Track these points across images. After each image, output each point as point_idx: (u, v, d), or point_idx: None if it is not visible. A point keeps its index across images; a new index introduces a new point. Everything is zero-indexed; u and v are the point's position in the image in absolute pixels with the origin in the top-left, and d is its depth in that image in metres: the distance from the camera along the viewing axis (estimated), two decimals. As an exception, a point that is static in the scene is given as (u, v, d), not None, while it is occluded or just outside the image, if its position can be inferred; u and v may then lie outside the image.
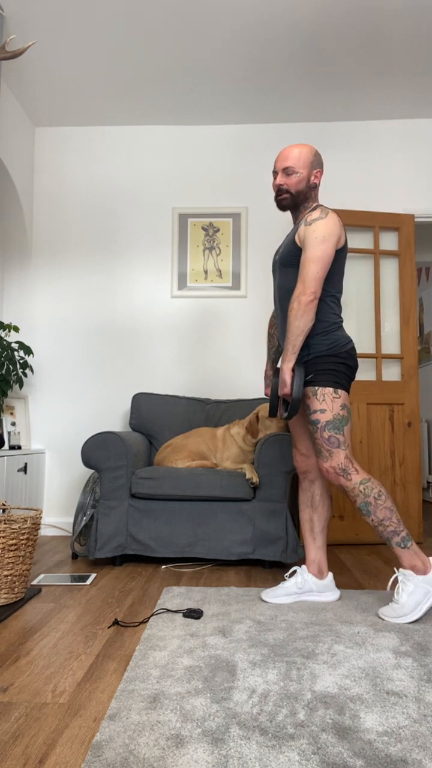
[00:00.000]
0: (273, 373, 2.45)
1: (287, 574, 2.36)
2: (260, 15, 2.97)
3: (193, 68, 3.39)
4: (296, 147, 2.19)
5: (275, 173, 2.22)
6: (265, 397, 3.89)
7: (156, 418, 3.51)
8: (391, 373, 3.75)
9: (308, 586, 2.26)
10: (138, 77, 3.48)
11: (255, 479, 2.83)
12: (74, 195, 4.00)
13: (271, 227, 3.92)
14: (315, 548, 2.32)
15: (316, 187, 2.22)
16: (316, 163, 2.21)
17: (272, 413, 2.34)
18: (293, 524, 2.85)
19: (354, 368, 2.20)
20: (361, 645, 1.77)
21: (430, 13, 2.96)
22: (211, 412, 3.57)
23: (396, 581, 2.14)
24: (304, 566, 2.31)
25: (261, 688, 1.46)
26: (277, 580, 2.61)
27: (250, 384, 3.84)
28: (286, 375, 2.09)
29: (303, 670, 1.58)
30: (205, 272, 3.89)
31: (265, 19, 3.00)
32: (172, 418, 3.51)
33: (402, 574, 2.05)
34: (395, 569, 2.10)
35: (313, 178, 2.20)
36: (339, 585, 2.52)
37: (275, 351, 2.52)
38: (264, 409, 3.14)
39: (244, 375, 3.84)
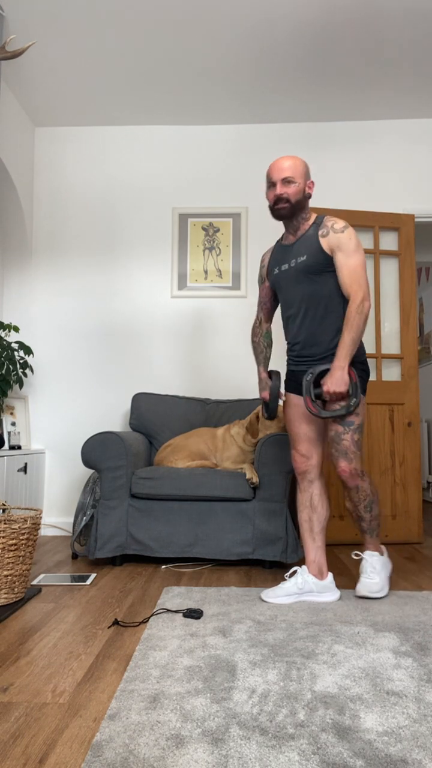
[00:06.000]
0: (267, 375, 2.51)
1: (287, 574, 2.36)
2: (261, 15, 2.97)
3: (194, 68, 3.39)
4: (289, 158, 2.26)
5: (272, 184, 2.27)
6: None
7: (156, 418, 3.51)
8: (391, 373, 3.75)
9: (308, 586, 2.27)
10: (138, 77, 3.48)
11: (255, 479, 2.83)
12: (74, 195, 4.00)
13: (271, 227, 3.91)
14: (315, 548, 2.34)
15: (310, 197, 2.31)
16: (308, 174, 2.31)
17: (272, 415, 2.42)
18: (293, 524, 2.85)
19: (369, 376, 2.36)
20: (361, 645, 1.77)
21: (428, 14, 2.96)
22: (211, 412, 3.57)
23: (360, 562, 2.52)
24: (304, 566, 2.32)
25: (261, 688, 1.46)
26: (277, 580, 2.61)
27: (250, 384, 3.84)
28: (345, 374, 2.18)
29: (303, 670, 1.58)
30: (205, 272, 3.89)
31: (265, 20, 3.00)
32: (172, 418, 3.51)
33: (370, 555, 2.35)
34: (359, 553, 2.40)
35: (307, 188, 2.29)
36: (339, 585, 2.52)
37: (265, 356, 2.56)
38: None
39: (244, 375, 3.84)
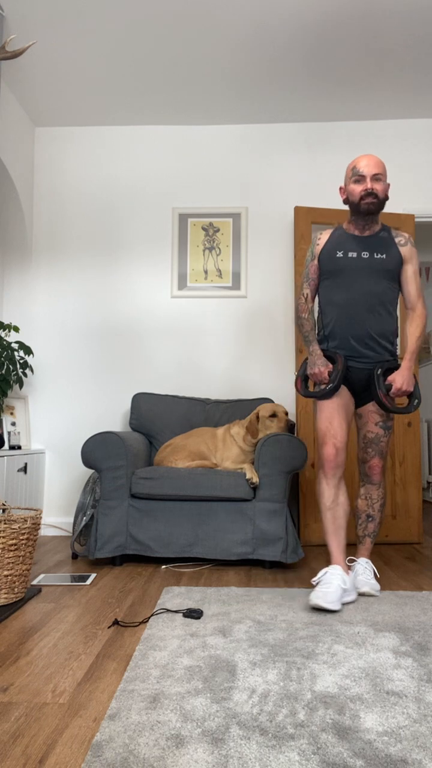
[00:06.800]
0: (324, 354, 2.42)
1: (319, 576, 2.18)
2: (261, 16, 2.97)
3: (194, 68, 3.39)
4: (377, 157, 2.33)
5: (360, 178, 2.30)
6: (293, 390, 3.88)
7: (156, 418, 3.51)
8: (391, 373, 3.75)
9: (348, 584, 2.17)
10: (138, 77, 3.48)
11: (255, 479, 2.83)
12: (74, 195, 4.00)
13: (271, 227, 3.92)
14: (343, 546, 2.27)
15: (387, 199, 2.36)
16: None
17: (332, 393, 2.35)
18: (293, 524, 2.85)
19: None
20: (361, 645, 1.77)
21: (428, 13, 2.96)
22: (211, 412, 3.57)
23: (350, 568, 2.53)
24: (337, 566, 2.20)
25: (261, 688, 1.46)
26: (277, 580, 2.61)
27: (250, 384, 3.83)
28: (412, 374, 2.33)
29: (303, 670, 1.58)
30: (205, 272, 3.89)
31: (265, 20, 3.00)
32: (172, 418, 3.51)
33: (366, 562, 2.43)
34: (358, 560, 2.44)
35: (388, 190, 2.37)
36: (339, 585, 2.52)
37: (315, 333, 2.47)
38: (264, 408, 3.13)
39: (244, 375, 3.84)
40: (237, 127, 3.99)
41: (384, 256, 2.34)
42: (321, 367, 2.37)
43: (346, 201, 2.36)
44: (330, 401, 2.36)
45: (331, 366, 2.37)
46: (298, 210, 3.67)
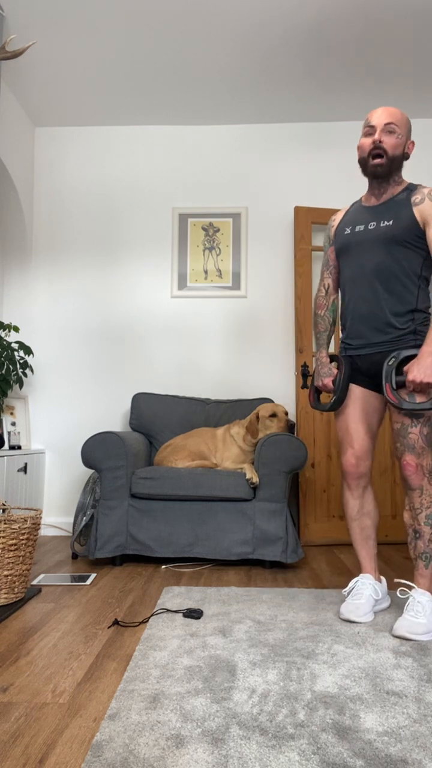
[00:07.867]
0: (330, 360, 2.18)
1: (351, 584, 2.11)
2: (260, 16, 2.97)
3: (194, 68, 3.39)
4: (394, 108, 1.97)
5: (371, 130, 1.97)
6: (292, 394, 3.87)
7: (156, 418, 3.51)
8: (391, 373, 3.74)
9: (378, 594, 2.07)
10: (138, 77, 3.48)
11: (255, 479, 2.83)
12: (74, 195, 4.00)
13: (271, 227, 3.92)
14: (373, 555, 2.14)
15: (407, 158, 2.02)
16: (410, 131, 2.02)
17: (338, 404, 2.12)
18: (293, 524, 2.85)
19: None
20: (361, 645, 1.77)
21: (428, 14, 2.96)
22: (211, 412, 3.57)
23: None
24: (368, 575, 2.10)
25: (261, 688, 1.46)
26: (277, 580, 2.61)
27: (250, 384, 3.83)
28: None
29: (303, 670, 1.58)
30: (205, 272, 3.89)
31: (265, 20, 3.00)
32: (172, 418, 3.51)
33: (420, 594, 1.91)
34: (406, 591, 2.00)
35: (407, 147, 2.02)
36: (339, 585, 2.52)
37: (328, 335, 2.24)
38: (264, 408, 3.13)
39: (244, 375, 3.84)
40: (237, 127, 3.99)
41: (391, 222, 1.97)
42: (325, 378, 2.14)
43: (360, 161, 2.04)
44: (344, 405, 2.14)
45: (335, 373, 2.13)
46: (298, 210, 3.67)
